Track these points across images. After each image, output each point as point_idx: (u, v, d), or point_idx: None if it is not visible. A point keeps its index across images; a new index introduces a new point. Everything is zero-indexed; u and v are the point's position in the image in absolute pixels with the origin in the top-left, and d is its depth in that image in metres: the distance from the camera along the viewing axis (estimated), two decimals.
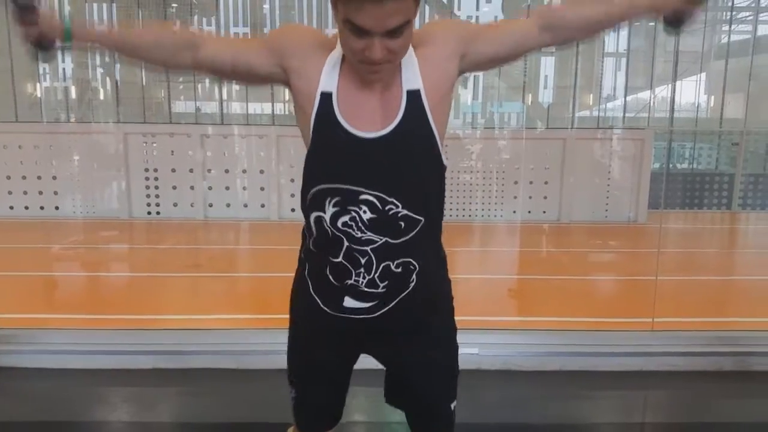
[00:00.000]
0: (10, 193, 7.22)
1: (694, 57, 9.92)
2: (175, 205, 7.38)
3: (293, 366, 1.49)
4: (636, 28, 9.53)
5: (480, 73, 9.58)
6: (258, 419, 2.57)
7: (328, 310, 1.36)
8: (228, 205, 7.41)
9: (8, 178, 7.21)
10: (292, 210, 6.99)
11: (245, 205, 7.36)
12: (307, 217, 1.34)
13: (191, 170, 7.40)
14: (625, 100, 9.31)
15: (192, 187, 7.38)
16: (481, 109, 10.25)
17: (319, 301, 1.37)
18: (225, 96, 9.89)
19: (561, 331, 3.37)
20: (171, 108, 9.36)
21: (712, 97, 10.36)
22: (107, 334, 3.25)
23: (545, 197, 7.26)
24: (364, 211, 1.27)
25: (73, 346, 3.05)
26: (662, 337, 3.20)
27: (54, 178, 7.24)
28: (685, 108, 10.53)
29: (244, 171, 7.41)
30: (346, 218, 1.28)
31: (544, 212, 7.23)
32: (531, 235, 6.90)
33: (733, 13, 9.96)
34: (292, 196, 6.91)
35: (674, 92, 10.15)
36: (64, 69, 9.63)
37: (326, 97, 1.26)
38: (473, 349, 2.97)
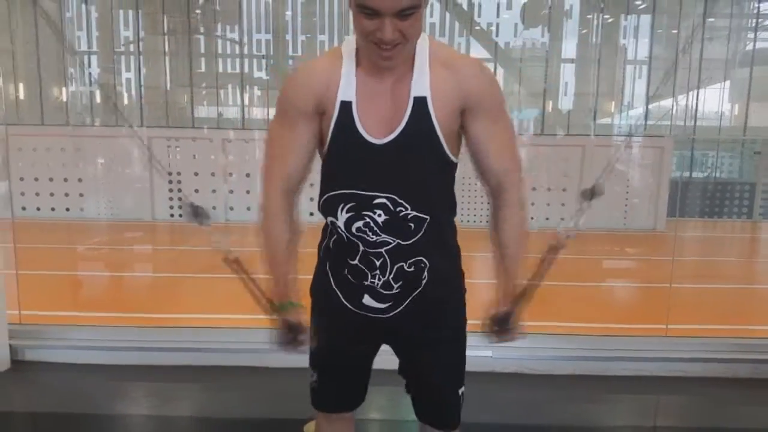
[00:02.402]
0: (37, 194, 7.40)
1: (718, 65, 9.84)
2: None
3: (315, 352, 1.54)
4: (658, 36, 9.49)
5: (499, 78, 9.63)
6: (275, 415, 2.63)
7: (349, 306, 1.44)
8: (248, 209, 7.51)
9: (36, 180, 7.39)
10: (311, 214, 7.04)
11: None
12: (325, 218, 1.41)
13: (213, 174, 7.52)
14: (646, 108, 9.26)
15: (214, 191, 7.49)
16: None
17: (340, 295, 1.44)
18: (246, 101, 10.02)
19: (574, 336, 3.38)
20: (194, 113, 9.51)
21: (736, 106, 10.25)
22: (131, 331, 3.34)
23: (563, 204, 7.26)
24: (379, 215, 1.33)
25: (98, 342, 3.16)
26: (675, 343, 3.21)
27: (80, 180, 7.40)
28: (708, 116, 10.43)
29: None
30: (360, 223, 1.35)
31: (562, 219, 7.23)
32: (548, 241, 6.91)
33: (759, 20, 9.87)
34: (311, 200, 6.96)
35: (696, 100, 10.08)
36: (90, 73, 9.83)
37: (346, 106, 1.32)
38: (487, 352, 3.01)
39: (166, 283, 5.15)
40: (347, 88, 1.32)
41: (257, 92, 10.29)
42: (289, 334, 1.37)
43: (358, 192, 1.33)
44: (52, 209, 7.39)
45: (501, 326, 1.39)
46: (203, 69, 9.88)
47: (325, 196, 1.38)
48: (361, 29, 1.24)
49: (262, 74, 10.27)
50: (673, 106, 9.71)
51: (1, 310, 3.01)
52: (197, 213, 1.50)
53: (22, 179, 7.22)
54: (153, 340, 3.19)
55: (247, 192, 7.49)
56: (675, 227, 7.13)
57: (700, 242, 7.24)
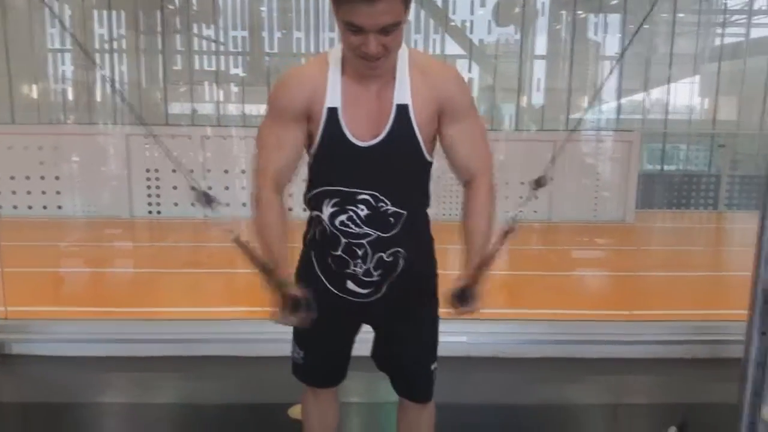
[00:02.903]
0: (14, 192, 7.35)
1: (687, 60, 10.04)
2: (176, 204, 7.51)
3: (299, 331, 1.67)
4: (630, 32, 9.67)
5: (474, 75, 9.75)
6: (258, 401, 2.74)
7: (333, 289, 1.57)
8: (227, 205, 7.54)
9: (12, 178, 7.35)
10: (290, 209, 7.14)
11: (244, 204, 7.46)
12: (310, 212, 1.55)
13: (191, 171, 7.54)
14: (619, 103, 9.44)
15: (192, 188, 7.51)
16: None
17: (324, 280, 1.57)
18: (222, 98, 10.00)
19: (545, 321, 3.53)
20: (168, 110, 9.47)
21: (706, 100, 10.48)
22: (115, 323, 3.42)
23: (536, 197, 7.42)
24: (362, 209, 1.46)
25: (82, 335, 3.23)
26: (638, 327, 3.39)
27: (57, 178, 7.37)
28: (679, 110, 10.65)
29: (243, 171, 7.56)
30: (343, 217, 1.47)
31: (535, 212, 7.39)
32: (521, 233, 7.06)
33: (726, 16, 10.10)
34: (290, 195, 7.06)
35: (668, 95, 10.26)
36: (63, 71, 9.73)
37: (332, 111, 1.43)
38: (462, 338, 3.14)
39: (146, 278, 5.20)
40: (333, 95, 1.43)
41: (233, 89, 10.27)
42: (294, 307, 1.43)
43: (343, 188, 1.46)
44: (29, 207, 7.36)
45: (462, 299, 1.48)
46: (179, 66, 9.85)
47: (312, 192, 1.50)
48: (348, 43, 1.35)
49: (239, 71, 10.26)
50: (643, 100, 9.93)
51: None
52: (209, 200, 1.63)
53: None
54: (134, 332, 3.28)
55: (226, 188, 7.53)
56: (643, 218, 7.36)
57: (666, 232, 7.46)
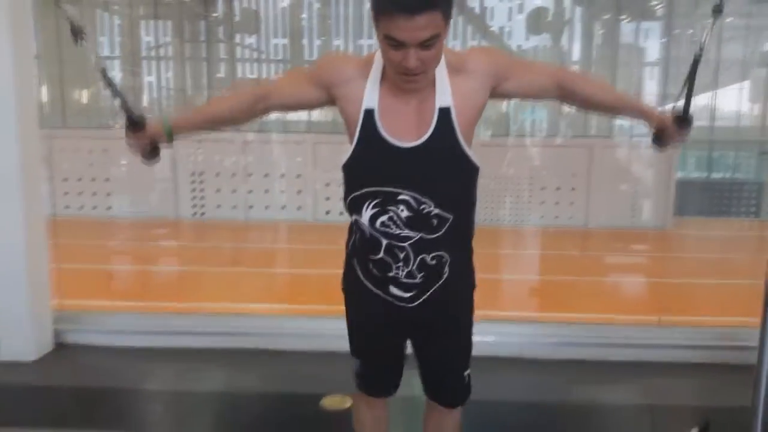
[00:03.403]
0: (66, 193, 7.71)
1: (736, 64, 9.79)
2: (219, 206, 7.78)
3: (354, 343, 1.72)
4: (675, 37, 9.54)
5: None
6: (294, 390, 2.89)
7: (380, 293, 1.56)
8: (267, 207, 7.77)
9: (65, 180, 7.70)
10: (327, 212, 7.33)
11: (283, 207, 7.70)
12: (349, 214, 1.55)
13: (234, 174, 7.79)
14: (662, 110, 9.24)
15: (234, 191, 7.77)
16: (513, 115, 10.40)
17: (369, 285, 1.58)
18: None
19: (572, 324, 3.59)
20: None
21: (756, 106, 10.20)
22: (160, 317, 3.62)
23: (572, 203, 7.43)
24: (402, 210, 1.45)
25: (130, 327, 3.45)
26: (666, 332, 3.42)
27: (106, 180, 7.70)
28: (727, 116, 10.37)
29: (282, 175, 7.76)
30: (384, 218, 1.46)
31: (571, 218, 7.41)
32: (556, 239, 7.09)
33: None
34: (327, 199, 7.25)
35: (714, 100, 10.00)
36: (112, 77, 10.13)
37: (369, 114, 1.46)
38: (490, 338, 3.23)
39: (190, 275, 5.44)
40: (371, 97, 1.46)
41: None
42: (141, 137, 1.54)
43: (383, 189, 1.45)
44: (80, 208, 7.70)
45: (681, 123, 1.54)
46: (222, 74, 10.15)
47: (351, 196, 1.51)
48: (388, 58, 1.38)
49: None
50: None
51: (45, 298, 3.30)
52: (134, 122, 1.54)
53: (52, 179, 7.54)
54: (178, 325, 3.47)
55: (266, 191, 7.75)
56: (681, 225, 7.28)
57: (703, 240, 7.35)
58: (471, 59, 1.51)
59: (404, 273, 1.50)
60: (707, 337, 3.31)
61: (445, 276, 1.53)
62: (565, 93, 1.58)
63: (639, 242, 6.90)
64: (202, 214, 7.78)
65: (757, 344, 2.97)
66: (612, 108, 1.65)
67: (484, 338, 3.19)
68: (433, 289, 1.54)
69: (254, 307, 4.10)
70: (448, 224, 1.48)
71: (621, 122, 9.08)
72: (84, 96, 9.62)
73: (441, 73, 1.45)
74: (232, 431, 2.57)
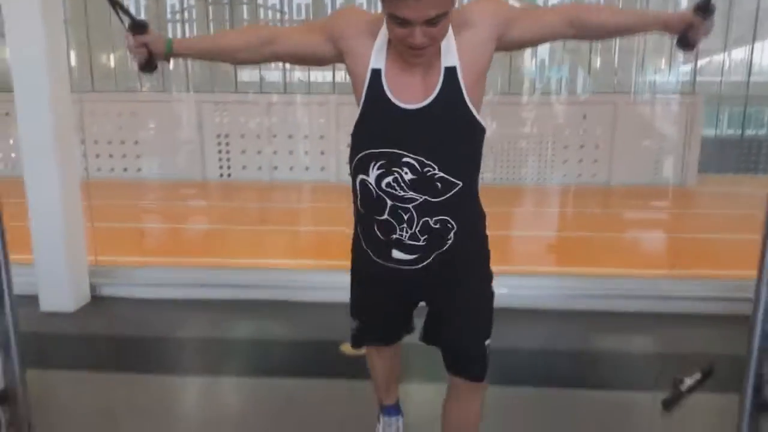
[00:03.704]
0: (97, 156, 7.94)
1: None
2: (244, 167, 7.94)
3: (355, 303, 1.74)
4: None
5: None
6: (315, 337, 3.06)
7: (380, 261, 1.55)
8: (291, 168, 7.91)
9: (96, 142, 7.92)
10: (350, 173, 7.42)
11: (307, 168, 7.83)
12: (354, 180, 1.51)
13: (258, 136, 7.92)
14: (695, 64, 8.96)
15: (259, 152, 7.90)
16: (538, 73, 10.27)
17: (371, 253, 1.56)
18: (288, 65, 10.29)
19: (583, 277, 3.68)
20: (237, 77, 9.86)
21: None
22: (190, 271, 3.80)
23: (595, 161, 7.42)
24: (406, 173, 1.42)
25: (163, 280, 3.63)
26: (678, 284, 3.49)
27: (135, 142, 7.90)
28: (765, 71, 9.95)
29: (306, 137, 7.87)
30: (389, 179, 1.43)
31: (594, 175, 7.40)
32: (578, 197, 7.12)
33: None
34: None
35: (751, 54, 9.63)
36: None
37: (376, 73, 1.43)
38: (503, 290, 3.33)
39: (218, 233, 5.64)
40: (378, 57, 1.43)
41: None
42: (141, 41, 1.52)
43: (387, 150, 1.42)
44: (111, 170, 7.93)
45: (703, 10, 1.45)
46: None
47: (359, 155, 1.47)
48: (394, 35, 1.34)
49: None
50: (723, 61, 9.35)
51: (82, 255, 3.50)
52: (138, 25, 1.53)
53: (83, 142, 7.77)
54: (208, 278, 3.65)
55: (290, 152, 7.87)
56: (705, 182, 7.23)
57: (726, 196, 7.29)
58: (474, 10, 1.46)
59: (408, 234, 1.47)
60: (719, 289, 3.37)
61: (450, 242, 1.50)
62: (577, 27, 1.50)
63: (660, 199, 6.89)
64: (229, 175, 7.96)
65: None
66: (629, 28, 1.55)
67: (498, 290, 3.31)
68: (436, 253, 1.50)
69: (279, 263, 4.26)
70: (455, 190, 1.45)
71: (646, 78, 8.95)
72: (111, 60, 9.75)
73: (448, 32, 1.41)
74: (258, 374, 2.73)
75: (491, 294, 1.64)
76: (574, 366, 2.84)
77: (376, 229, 1.50)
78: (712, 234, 5.26)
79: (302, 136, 7.87)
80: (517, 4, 1.52)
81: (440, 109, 1.41)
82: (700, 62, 8.87)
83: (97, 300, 3.54)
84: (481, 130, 1.48)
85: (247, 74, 10.40)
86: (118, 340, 3.10)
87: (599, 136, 7.42)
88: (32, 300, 3.36)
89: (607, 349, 3.02)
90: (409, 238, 1.48)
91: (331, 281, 3.44)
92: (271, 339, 3.13)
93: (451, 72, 1.41)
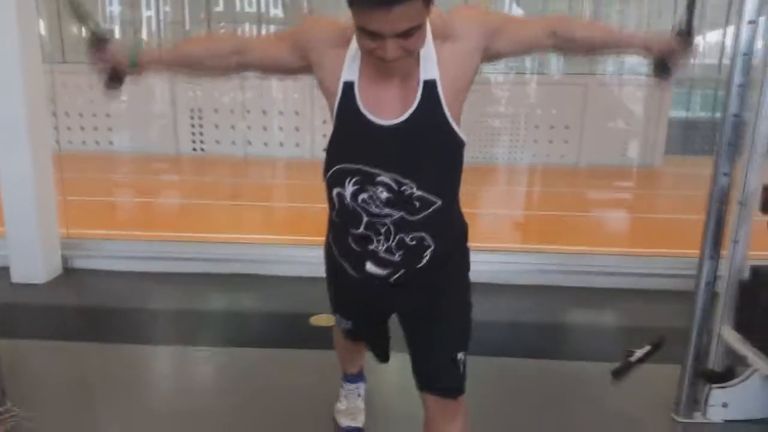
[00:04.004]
0: (69, 128, 7.84)
1: None
2: (218, 142, 7.92)
3: (334, 306, 1.74)
4: None
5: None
6: (284, 311, 3.14)
7: (354, 274, 1.49)
8: (265, 144, 7.91)
9: (67, 115, 7.82)
10: (324, 150, 7.46)
11: (281, 144, 7.84)
12: (329, 190, 1.44)
13: (232, 111, 7.90)
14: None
15: (233, 127, 7.89)
16: None
17: (346, 266, 1.51)
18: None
19: (547, 253, 3.82)
20: None
21: None
22: (160, 243, 3.85)
23: (565, 141, 7.56)
24: (381, 191, 1.35)
25: (133, 253, 3.68)
26: (636, 261, 3.64)
27: (107, 115, 7.82)
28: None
29: (281, 112, 7.86)
30: (365, 195, 1.37)
31: (563, 156, 7.54)
32: (546, 176, 7.27)
33: None
34: (324, 136, 7.33)
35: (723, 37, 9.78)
36: (111, 11, 10.03)
37: (348, 86, 1.33)
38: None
39: (190, 207, 5.67)
40: (351, 69, 1.34)
41: (272, 30, 10.44)
42: (103, 56, 1.43)
43: (362, 168, 1.35)
44: (83, 143, 7.85)
45: (663, 68, 1.41)
46: (221, 7, 10.06)
47: (333, 169, 1.40)
48: (363, 46, 1.25)
49: (278, 11, 10.42)
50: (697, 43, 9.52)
51: (54, 227, 3.52)
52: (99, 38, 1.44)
53: (55, 115, 7.67)
54: (178, 251, 3.70)
55: (264, 128, 7.87)
56: (672, 163, 7.40)
57: (690, 177, 7.48)
58: (458, 21, 1.37)
59: (383, 248, 1.42)
60: (676, 267, 3.51)
61: (426, 260, 1.44)
62: (560, 41, 1.46)
63: (625, 179, 7.06)
64: (202, 149, 7.95)
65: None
66: (609, 45, 1.51)
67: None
68: (411, 269, 1.45)
69: (251, 237, 4.32)
70: (433, 208, 1.38)
71: (621, 59, 9.05)
72: (82, 30, 9.56)
73: (427, 42, 1.32)
74: (230, 344, 2.81)
75: (468, 303, 1.56)
76: (537, 338, 2.98)
77: (351, 241, 1.45)
78: (671, 214, 5.43)
79: (277, 111, 7.87)
80: (501, 14, 1.52)
81: (418, 125, 1.32)
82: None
83: (68, 272, 3.58)
84: (461, 145, 1.40)
85: None
86: (89, 310, 3.16)
87: (569, 116, 7.54)
88: (3, 271, 3.38)
89: (569, 323, 3.17)
90: (385, 251, 1.42)
91: (303, 255, 3.53)
92: (242, 311, 3.22)
93: (430, 85, 1.32)
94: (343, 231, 1.45)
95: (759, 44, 1.92)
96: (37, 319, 3.05)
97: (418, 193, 1.35)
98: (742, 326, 2.28)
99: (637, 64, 9.41)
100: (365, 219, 1.39)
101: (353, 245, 1.45)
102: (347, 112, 1.34)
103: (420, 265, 1.44)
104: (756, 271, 2.24)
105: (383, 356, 1.85)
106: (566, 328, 3.15)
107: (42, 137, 3.36)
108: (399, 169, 1.33)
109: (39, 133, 3.31)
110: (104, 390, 2.39)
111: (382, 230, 1.40)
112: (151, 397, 2.40)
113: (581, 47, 1.51)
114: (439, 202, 1.38)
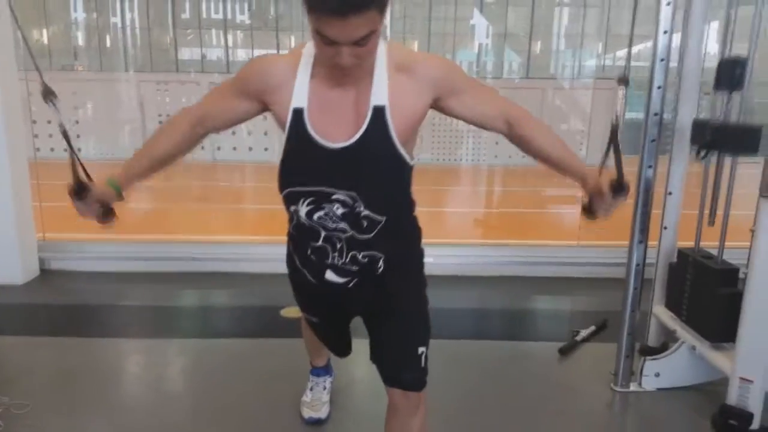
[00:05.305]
0: (36, 136, 7.82)
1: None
2: None
3: (299, 306, 1.79)
4: None
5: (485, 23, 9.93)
6: (256, 304, 3.32)
7: (314, 281, 1.53)
8: (234, 149, 8.03)
9: (34, 122, 7.80)
10: (201, 147, 7.57)
11: (250, 149, 7.95)
12: (285, 206, 1.47)
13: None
14: (629, 51, 9.40)
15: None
16: (476, 58, 10.60)
17: (306, 273, 1.54)
18: (231, 43, 10.28)
19: (500, 246, 4.07)
20: (178, 56, 9.82)
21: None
22: (135, 245, 3.98)
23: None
24: (337, 207, 1.39)
25: (109, 254, 3.83)
26: (584, 252, 3.91)
27: (76, 122, 7.85)
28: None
29: None
30: (320, 213, 1.40)
31: (523, 157, 7.81)
32: (503, 176, 7.55)
33: None
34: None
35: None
36: (76, 18, 10.02)
37: (297, 113, 1.35)
38: (429, 259, 3.66)
39: (161, 210, 5.79)
40: (299, 96, 1.36)
41: (240, 35, 10.54)
42: (89, 202, 1.47)
43: (316, 189, 1.39)
44: (51, 150, 7.84)
45: (618, 190, 1.41)
46: (187, 14, 10.14)
47: (286, 191, 1.44)
48: (320, 52, 1.29)
49: (245, 17, 10.53)
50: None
51: (30, 231, 3.65)
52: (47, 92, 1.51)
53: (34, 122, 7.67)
54: (152, 251, 3.86)
55: (233, 133, 7.98)
56: (627, 163, 7.71)
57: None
58: (422, 64, 1.40)
59: (340, 262, 1.47)
60: (619, 256, 3.77)
61: (381, 269, 1.50)
62: (512, 134, 1.48)
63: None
64: None
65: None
66: (552, 160, 1.49)
67: (441, 260, 3.66)
68: (369, 277, 1.50)
69: (222, 238, 4.47)
70: (380, 226, 1.42)
71: (582, 63, 9.41)
72: (44, 36, 9.53)
73: (380, 68, 1.36)
74: (204, 336, 2.97)
75: (425, 300, 1.62)
76: (497, 322, 3.27)
77: (310, 253, 1.49)
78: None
79: None
80: (469, 79, 1.48)
81: (366, 149, 1.35)
82: (637, 48, 9.34)
83: (45, 273, 3.71)
84: (409, 168, 1.44)
85: (188, 53, 10.34)
86: (66, 308, 3.29)
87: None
88: None
89: (523, 308, 3.43)
90: (341, 265, 1.47)
91: (273, 253, 3.66)
92: (214, 306, 3.41)
93: (379, 111, 1.35)
94: (304, 244, 1.49)
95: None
96: (18, 317, 3.17)
97: (365, 212, 1.39)
98: (671, 304, 2.55)
99: (599, 67, 9.81)
100: (323, 233, 1.43)
101: (312, 256, 1.49)
102: (298, 137, 1.36)
103: (377, 273, 1.50)
104: (682, 253, 2.49)
105: (343, 353, 1.93)
106: (522, 313, 3.39)
107: (18, 143, 3.48)
108: (351, 188, 1.37)
109: (15, 139, 3.44)
110: (84, 379, 2.52)
111: (338, 245, 1.44)
112: (130, 384, 2.56)
113: (527, 150, 1.50)
114: (384, 219, 1.42)
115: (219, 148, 8.01)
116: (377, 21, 1.22)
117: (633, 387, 2.48)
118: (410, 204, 1.55)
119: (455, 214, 5.77)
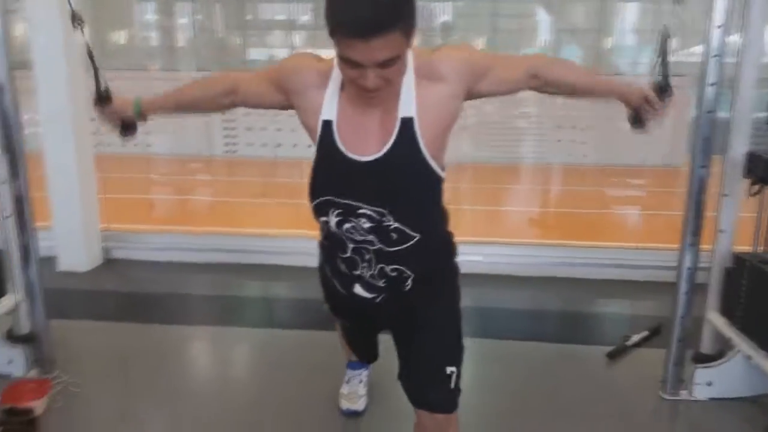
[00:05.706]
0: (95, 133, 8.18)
1: None
2: (250, 145, 8.22)
3: (332, 311, 1.83)
4: None
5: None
6: (302, 296, 3.38)
7: (344, 293, 1.54)
8: (294, 146, 8.15)
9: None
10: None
11: (309, 146, 8.05)
12: (315, 217, 1.50)
13: (262, 114, 8.14)
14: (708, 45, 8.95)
15: (263, 129, 8.17)
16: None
17: (337, 284, 1.57)
18: (297, 43, 10.46)
19: (555, 246, 4.01)
20: (246, 55, 10.07)
21: None
22: (198, 237, 4.15)
23: (584, 142, 7.62)
24: (363, 222, 1.40)
25: (171, 245, 3.97)
26: (641, 254, 3.78)
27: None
28: None
29: None
30: (348, 225, 1.41)
31: (585, 156, 7.61)
32: (566, 176, 7.37)
33: None
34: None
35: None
36: (147, 19, 10.42)
37: (327, 125, 1.37)
38: (478, 257, 3.64)
39: (224, 204, 6.04)
40: (330, 108, 1.38)
41: (302, 35, 10.70)
42: (108, 112, 1.60)
43: (343, 201, 1.39)
44: (122, 145, 8.19)
45: (662, 91, 1.42)
46: (254, 16, 10.37)
47: (316, 201, 1.45)
48: (345, 75, 1.29)
49: (307, 18, 10.70)
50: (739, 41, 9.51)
51: (95, 221, 3.84)
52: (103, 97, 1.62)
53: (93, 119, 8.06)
54: (215, 243, 4.01)
55: (292, 130, 8.09)
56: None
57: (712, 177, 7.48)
58: (443, 62, 1.39)
59: (368, 274, 1.47)
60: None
61: (409, 287, 1.49)
62: (542, 84, 1.47)
63: (645, 178, 7.06)
64: (234, 151, 8.24)
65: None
66: (589, 90, 1.51)
67: (475, 258, 3.62)
68: (397, 293, 1.50)
69: (278, 232, 4.57)
70: (413, 242, 1.42)
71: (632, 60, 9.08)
72: (121, 38, 9.94)
73: (407, 79, 1.34)
74: (257, 326, 3.09)
75: (457, 317, 1.59)
76: (547, 324, 3.23)
77: (339, 263, 1.50)
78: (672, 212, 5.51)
79: None
80: (487, 54, 1.49)
81: (395, 161, 1.35)
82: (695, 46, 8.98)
83: (108, 262, 3.88)
84: (439, 180, 1.43)
85: (256, 52, 10.59)
86: (127, 295, 3.45)
87: (586, 118, 7.58)
88: (50, 261, 3.68)
89: (575, 311, 3.34)
90: (370, 278, 1.47)
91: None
92: (264, 296, 3.54)
93: (407, 123, 1.34)
94: (333, 254, 1.50)
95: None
96: (82, 302, 3.34)
97: (395, 225, 1.39)
98: (726, 310, 2.44)
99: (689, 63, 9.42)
100: (351, 245, 1.44)
101: (342, 266, 1.50)
102: (327, 149, 1.38)
103: (405, 290, 1.49)
104: (738, 258, 2.38)
105: (369, 359, 2.04)
106: (575, 316, 3.30)
107: (84, 137, 3.67)
108: (378, 201, 1.37)
109: (81, 134, 3.63)
110: (141, 363, 2.65)
111: (367, 257, 1.44)
112: (183, 369, 2.66)
113: (562, 91, 1.52)
114: (418, 236, 1.41)
115: (279, 145, 8.16)
116: (402, 44, 1.22)
117: (683, 395, 2.39)
118: (443, 217, 1.55)
119: (512, 212, 5.70)
